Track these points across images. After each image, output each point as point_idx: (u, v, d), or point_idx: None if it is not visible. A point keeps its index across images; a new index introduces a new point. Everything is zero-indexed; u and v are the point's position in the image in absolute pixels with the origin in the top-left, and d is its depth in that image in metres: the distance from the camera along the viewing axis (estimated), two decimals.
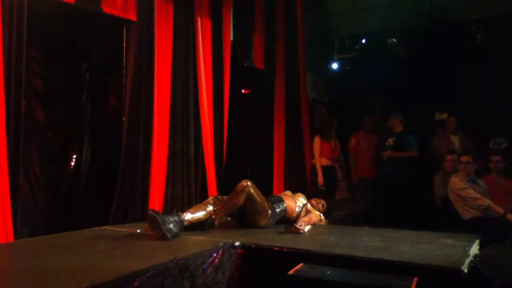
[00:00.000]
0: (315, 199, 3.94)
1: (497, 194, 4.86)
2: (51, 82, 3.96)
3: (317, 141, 6.00)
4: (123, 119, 4.07)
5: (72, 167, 4.16)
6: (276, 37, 6.06)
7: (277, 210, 3.55)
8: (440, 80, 6.73)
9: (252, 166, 6.13)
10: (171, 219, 2.96)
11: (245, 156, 6.02)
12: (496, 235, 3.39)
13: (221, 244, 2.64)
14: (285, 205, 3.61)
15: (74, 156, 4.18)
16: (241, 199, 3.30)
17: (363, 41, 7.37)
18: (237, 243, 2.73)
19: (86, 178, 4.23)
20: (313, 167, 6.01)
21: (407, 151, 6.02)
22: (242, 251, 2.71)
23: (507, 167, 5.09)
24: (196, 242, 2.88)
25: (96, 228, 3.33)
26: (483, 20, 6.32)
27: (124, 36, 4.11)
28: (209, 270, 2.45)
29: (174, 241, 2.84)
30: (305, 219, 3.48)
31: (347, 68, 7.56)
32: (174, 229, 2.92)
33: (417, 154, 6.02)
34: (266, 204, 3.43)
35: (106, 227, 3.43)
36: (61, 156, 4.12)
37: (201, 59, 4.57)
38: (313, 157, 6.08)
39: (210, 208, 3.33)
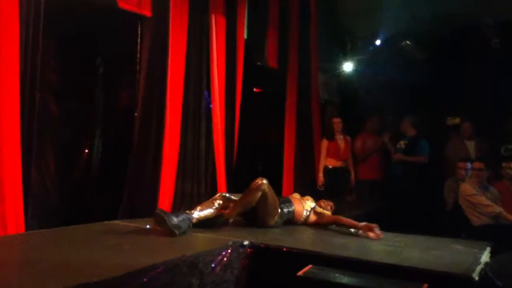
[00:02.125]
0: (323, 200, 3.91)
1: (509, 201, 4.80)
2: (65, 76, 3.99)
3: (324, 141, 6.04)
4: (135, 114, 4.09)
5: (83, 160, 4.19)
6: (289, 37, 6.05)
7: (285, 210, 3.53)
8: (453, 84, 6.65)
9: (262, 164, 6.13)
10: (179, 218, 2.96)
11: (255, 154, 6.02)
12: (508, 242, 3.35)
13: (230, 243, 2.63)
14: (293, 207, 3.59)
15: (86, 150, 4.21)
16: (256, 197, 3.27)
17: (377, 42, 7.32)
18: (246, 242, 2.71)
19: (97, 172, 4.26)
20: (324, 168, 6.00)
21: (417, 156, 5.96)
22: (251, 250, 2.70)
23: None
24: (205, 240, 2.88)
25: (106, 222, 3.33)
26: (498, 24, 6.24)
27: (139, 32, 4.13)
28: (218, 268, 2.45)
29: (183, 238, 2.84)
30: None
31: (360, 69, 7.52)
32: (181, 226, 2.92)
33: (426, 161, 5.91)
34: (277, 204, 3.43)
35: (116, 221, 3.42)
36: (73, 150, 4.16)
37: (215, 56, 4.58)
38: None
39: (218, 205, 3.33)
